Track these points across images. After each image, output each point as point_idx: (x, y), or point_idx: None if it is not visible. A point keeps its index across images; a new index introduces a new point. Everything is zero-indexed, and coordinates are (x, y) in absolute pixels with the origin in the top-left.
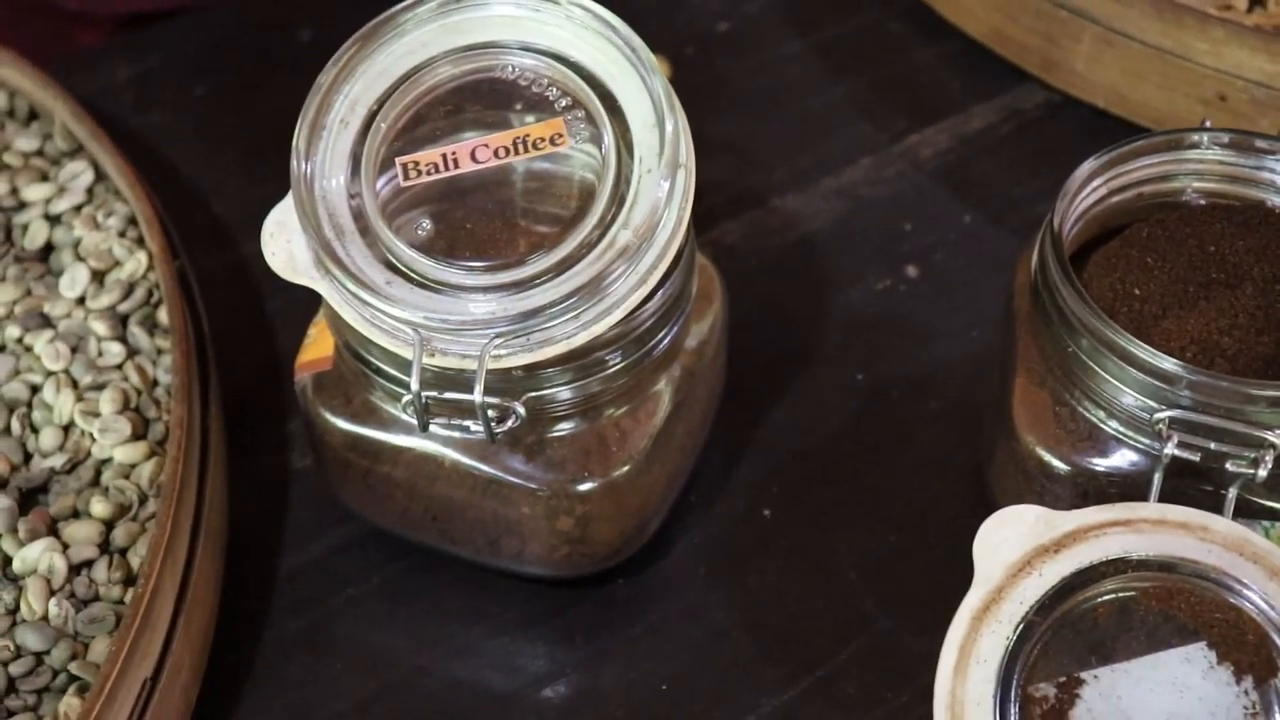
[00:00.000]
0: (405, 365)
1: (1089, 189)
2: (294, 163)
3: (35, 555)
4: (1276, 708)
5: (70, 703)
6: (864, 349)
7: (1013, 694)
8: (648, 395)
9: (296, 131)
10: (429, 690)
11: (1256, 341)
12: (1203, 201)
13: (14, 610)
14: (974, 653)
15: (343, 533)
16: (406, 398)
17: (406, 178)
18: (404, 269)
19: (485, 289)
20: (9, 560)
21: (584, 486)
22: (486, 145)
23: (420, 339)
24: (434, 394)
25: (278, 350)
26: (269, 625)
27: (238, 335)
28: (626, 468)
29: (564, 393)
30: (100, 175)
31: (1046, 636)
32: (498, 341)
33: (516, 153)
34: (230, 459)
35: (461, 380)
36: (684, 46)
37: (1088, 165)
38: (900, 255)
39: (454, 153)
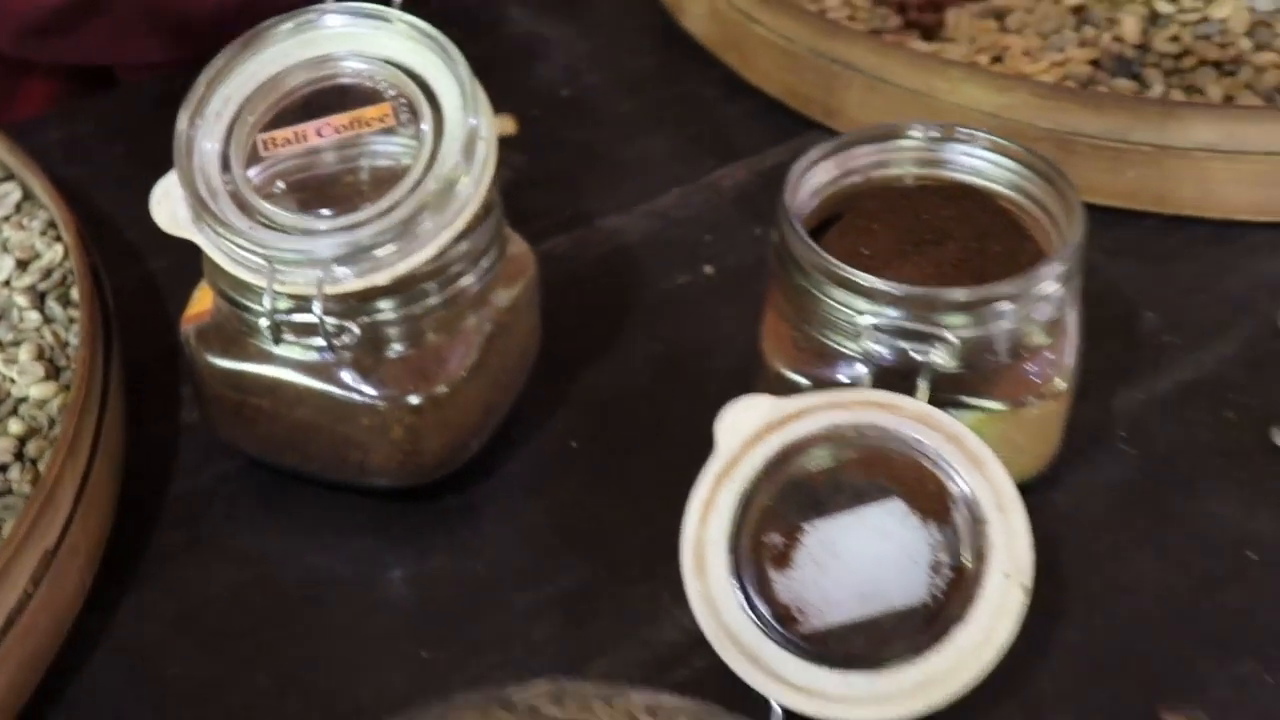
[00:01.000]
0: (262, 297)
1: (819, 170)
2: (177, 134)
3: None
4: (946, 541)
5: None
6: (665, 326)
7: (744, 539)
8: (464, 329)
9: (180, 113)
10: (292, 578)
11: (955, 283)
12: (915, 181)
13: None
14: (714, 506)
15: (223, 465)
16: (264, 322)
17: (265, 150)
18: (262, 218)
19: (325, 231)
20: None
21: (412, 400)
22: (329, 124)
23: (270, 267)
24: (285, 316)
25: (174, 337)
26: (157, 531)
27: (141, 326)
28: (446, 387)
29: (391, 316)
30: (28, 195)
31: (772, 493)
32: (335, 269)
33: (351, 128)
34: (128, 415)
35: (307, 306)
36: (530, 109)
37: (814, 151)
38: (700, 258)
39: (303, 131)
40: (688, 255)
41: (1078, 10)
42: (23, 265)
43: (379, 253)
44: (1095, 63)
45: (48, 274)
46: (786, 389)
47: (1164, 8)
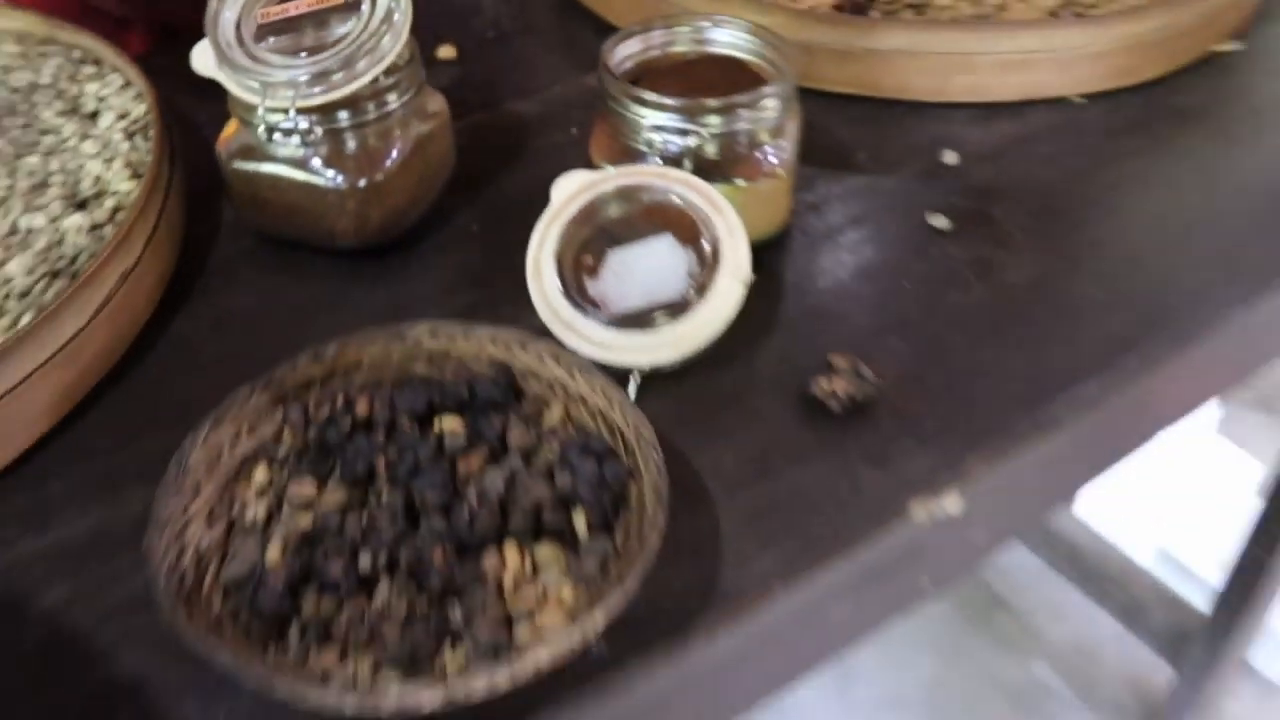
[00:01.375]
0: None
1: (628, 44)
2: (209, 11)
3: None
4: (699, 258)
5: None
6: (543, 162)
7: (566, 259)
8: (395, 138)
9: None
10: (286, 303)
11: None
12: (693, 55)
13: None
14: (547, 238)
15: (245, 239)
16: (261, 128)
17: (264, 18)
18: (262, 59)
19: (297, 65)
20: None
21: (360, 183)
22: (304, 2)
23: (263, 89)
24: (275, 122)
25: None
26: (201, 275)
27: (197, 159)
28: (381, 176)
29: (344, 125)
30: (126, 83)
31: (585, 231)
32: (305, 89)
33: (319, 3)
34: (186, 206)
35: (289, 117)
36: (466, 43)
37: (624, 31)
38: (569, 124)
39: (286, 7)
40: (561, 123)
41: None
42: (121, 117)
43: (333, 78)
44: (839, 7)
45: (136, 121)
46: None
47: None
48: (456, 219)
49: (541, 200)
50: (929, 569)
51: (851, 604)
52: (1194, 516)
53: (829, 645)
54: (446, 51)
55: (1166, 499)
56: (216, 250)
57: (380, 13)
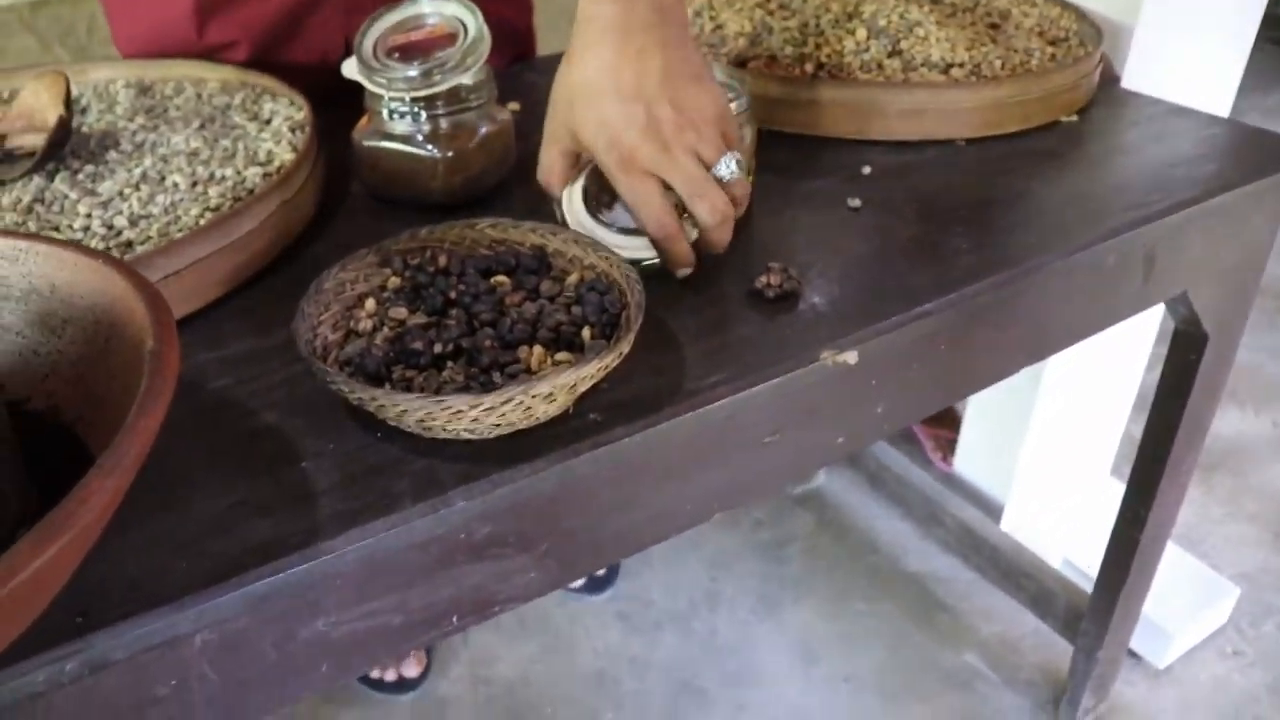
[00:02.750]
0: (384, 99)
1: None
2: (357, 39)
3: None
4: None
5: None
6: None
7: (590, 194)
8: (472, 127)
9: (358, 33)
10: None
11: None
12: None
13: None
14: (575, 182)
15: (366, 199)
16: (384, 110)
17: (391, 43)
18: (388, 66)
19: (414, 69)
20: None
21: (449, 153)
22: (420, 33)
23: (389, 84)
24: (394, 107)
25: (348, 166)
26: (334, 219)
27: (340, 144)
28: (464, 149)
29: (440, 113)
30: (292, 102)
31: (601, 178)
32: (416, 84)
33: (428, 36)
34: (327, 173)
35: (405, 103)
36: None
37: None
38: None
39: (408, 35)
40: None
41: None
42: (287, 119)
43: (434, 78)
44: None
45: (298, 123)
46: None
47: (850, 44)
48: (513, 191)
49: None
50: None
51: (775, 424)
52: (1093, 532)
53: (768, 472)
54: (513, 105)
55: (1070, 519)
56: (344, 207)
57: (469, 42)
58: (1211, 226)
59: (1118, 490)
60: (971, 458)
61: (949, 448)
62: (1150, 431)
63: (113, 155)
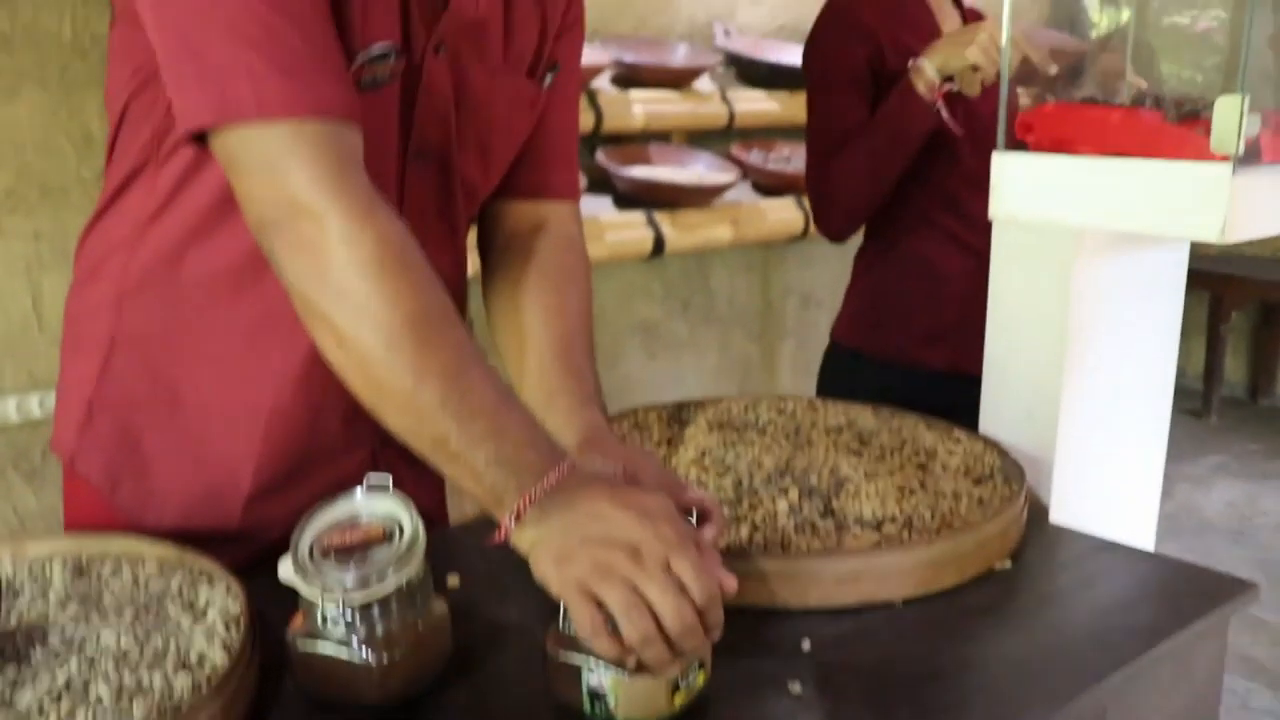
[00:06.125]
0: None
1: None
2: (291, 545)
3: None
4: None
5: None
6: None
7: None
8: (409, 623)
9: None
10: None
11: None
12: None
13: None
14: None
15: (300, 703)
16: (318, 614)
17: (327, 543)
18: (323, 570)
19: (347, 574)
20: None
21: (385, 659)
22: (354, 534)
23: (322, 588)
24: (329, 612)
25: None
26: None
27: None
28: (405, 648)
29: (376, 616)
30: (228, 588)
31: None
32: (351, 592)
33: (363, 538)
34: (261, 672)
35: (339, 607)
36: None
37: None
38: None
39: (345, 536)
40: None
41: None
42: (223, 612)
43: (370, 584)
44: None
45: (233, 616)
46: None
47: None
48: (454, 686)
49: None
50: None
51: None
52: None
53: None
54: (453, 581)
55: None
56: (277, 705)
57: (404, 545)
58: (1159, 675)
59: None
60: None
61: None
62: None
63: (38, 654)
